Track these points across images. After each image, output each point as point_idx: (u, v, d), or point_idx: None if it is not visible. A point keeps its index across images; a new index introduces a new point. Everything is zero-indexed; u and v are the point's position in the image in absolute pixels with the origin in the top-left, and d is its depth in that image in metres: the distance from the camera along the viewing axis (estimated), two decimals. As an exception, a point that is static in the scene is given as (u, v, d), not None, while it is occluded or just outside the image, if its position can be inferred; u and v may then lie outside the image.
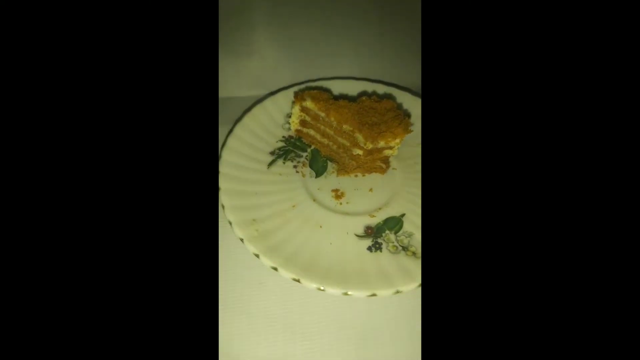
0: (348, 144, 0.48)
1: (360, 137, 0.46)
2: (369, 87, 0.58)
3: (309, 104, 0.49)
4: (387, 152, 0.48)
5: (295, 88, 0.57)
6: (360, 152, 0.47)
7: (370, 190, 0.48)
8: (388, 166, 0.50)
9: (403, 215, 0.44)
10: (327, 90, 0.55)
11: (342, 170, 0.49)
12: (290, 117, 0.52)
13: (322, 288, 0.36)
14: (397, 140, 0.46)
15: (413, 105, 0.56)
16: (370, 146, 0.45)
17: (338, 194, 0.47)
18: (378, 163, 0.49)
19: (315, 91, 0.50)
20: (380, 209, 0.45)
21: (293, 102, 0.51)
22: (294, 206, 0.45)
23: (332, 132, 0.49)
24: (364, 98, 0.49)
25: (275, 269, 0.37)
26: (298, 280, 0.37)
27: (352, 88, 0.58)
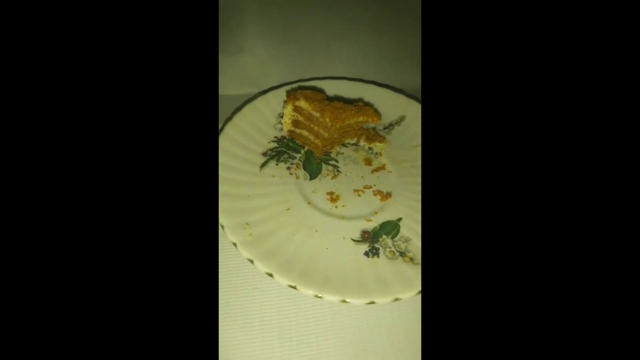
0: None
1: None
2: (362, 87, 0.57)
3: (302, 103, 0.48)
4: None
5: (287, 87, 0.55)
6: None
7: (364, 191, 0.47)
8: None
9: (400, 219, 0.43)
10: (320, 91, 0.54)
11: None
12: (282, 117, 0.51)
13: (319, 295, 0.35)
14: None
15: (408, 107, 0.55)
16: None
17: (333, 197, 0.46)
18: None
19: (308, 91, 0.49)
20: (376, 212, 0.44)
21: (285, 102, 0.49)
22: (288, 209, 0.43)
23: (326, 134, 0.48)
24: (360, 104, 0.49)
25: (271, 275, 0.36)
26: (294, 287, 0.36)
27: (346, 89, 0.57)
